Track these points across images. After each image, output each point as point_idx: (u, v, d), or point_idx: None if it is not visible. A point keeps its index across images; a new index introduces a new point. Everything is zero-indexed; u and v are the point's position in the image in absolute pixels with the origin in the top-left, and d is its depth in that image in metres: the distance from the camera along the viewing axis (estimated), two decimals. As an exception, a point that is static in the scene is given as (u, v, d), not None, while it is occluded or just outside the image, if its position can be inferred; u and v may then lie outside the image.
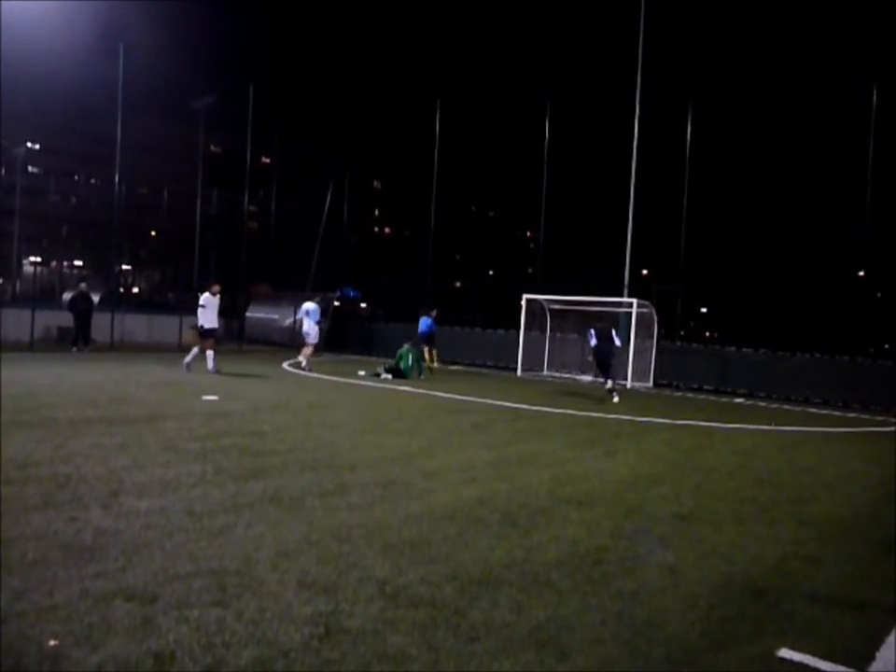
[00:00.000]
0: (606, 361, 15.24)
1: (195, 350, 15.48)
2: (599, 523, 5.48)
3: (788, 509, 6.34)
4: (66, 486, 5.55)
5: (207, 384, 13.47)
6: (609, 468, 7.74)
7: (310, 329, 17.92)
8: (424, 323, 20.83)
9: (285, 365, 18.83)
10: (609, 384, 15.15)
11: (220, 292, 16.06)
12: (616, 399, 14.80)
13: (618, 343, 15.42)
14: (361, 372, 17.41)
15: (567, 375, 20.28)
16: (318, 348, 18.31)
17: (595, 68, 44.01)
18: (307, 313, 18.10)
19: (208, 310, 15.54)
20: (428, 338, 20.21)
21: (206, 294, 15.70)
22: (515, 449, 8.55)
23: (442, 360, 22.72)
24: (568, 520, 5.50)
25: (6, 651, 2.96)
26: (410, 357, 17.10)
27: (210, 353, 15.41)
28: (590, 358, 15.63)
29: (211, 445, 7.47)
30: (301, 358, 17.89)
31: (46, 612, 3.33)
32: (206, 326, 15.51)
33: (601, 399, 14.92)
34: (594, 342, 15.27)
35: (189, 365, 15.28)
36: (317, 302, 18.29)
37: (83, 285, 21.84)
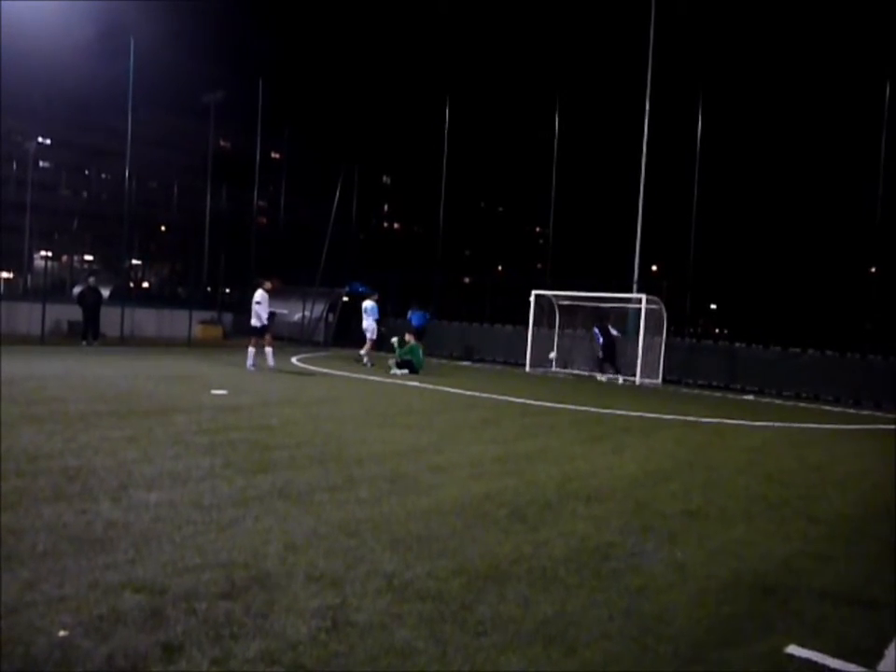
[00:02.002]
0: (612, 353, 18.39)
1: (268, 350, 15.53)
2: (607, 519, 5.47)
3: (797, 506, 6.31)
4: (76, 479, 5.59)
5: (216, 378, 13.52)
6: (618, 464, 7.72)
7: (370, 325, 18.51)
8: (420, 317, 21.02)
9: (293, 359, 18.87)
10: (615, 373, 18.38)
11: (272, 288, 16.16)
12: (602, 379, 18.51)
13: (615, 333, 18.67)
14: (369, 365, 17.51)
15: (577, 371, 20.23)
16: (375, 344, 18.86)
17: (605, 64, 43.81)
18: (366, 311, 18.70)
19: (263, 306, 15.66)
20: (422, 331, 20.24)
21: (260, 291, 15.77)
22: (523, 444, 8.55)
23: (450, 356, 22.82)
24: (576, 515, 5.50)
25: (16, 641, 2.99)
26: (419, 351, 17.11)
27: (252, 350, 15.52)
28: (600, 354, 18.61)
29: (220, 439, 7.49)
30: (363, 354, 18.35)
31: (56, 603, 3.35)
32: (266, 323, 15.68)
33: (611, 393, 14.93)
34: (601, 339, 18.39)
35: (272, 366, 15.38)
36: (375, 301, 18.86)
37: (91, 279, 21.94)
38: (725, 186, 38.67)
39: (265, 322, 15.69)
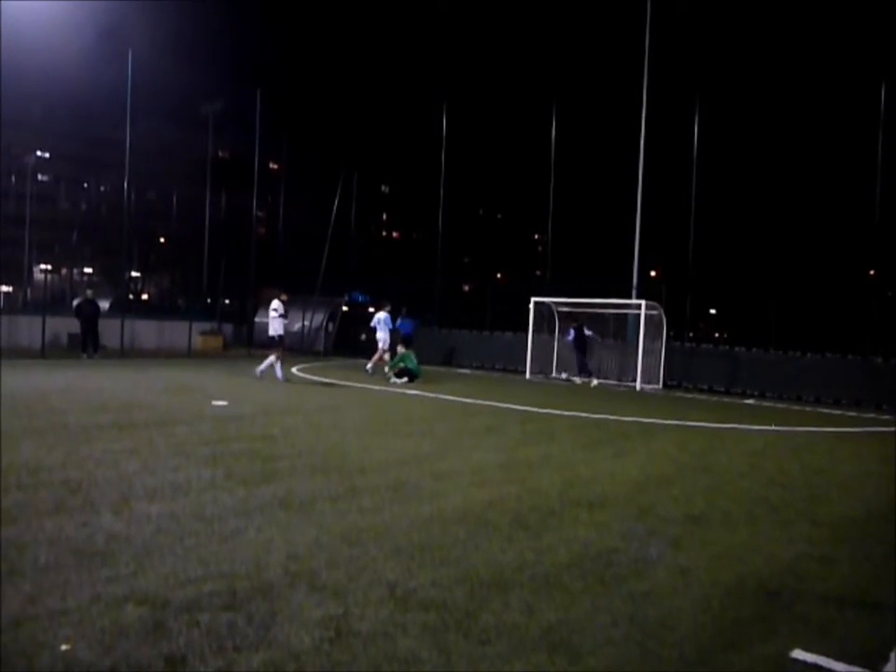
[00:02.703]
0: (583, 353, 19.43)
1: (278, 360, 15.61)
2: (610, 524, 5.46)
3: (800, 509, 6.30)
4: (78, 491, 5.58)
5: (217, 389, 13.51)
6: (620, 469, 7.71)
7: (382, 336, 18.54)
8: (410, 324, 21.04)
9: (294, 369, 18.85)
10: (586, 375, 19.33)
11: (288, 300, 16.46)
12: (595, 383, 18.92)
13: (588, 333, 19.59)
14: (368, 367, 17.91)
15: (577, 377, 20.22)
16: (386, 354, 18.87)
17: (602, 70, 43.92)
18: (378, 322, 18.72)
19: (280, 316, 15.84)
20: (410, 339, 20.31)
21: (277, 301, 15.96)
22: (525, 451, 8.54)
23: (449, 363, 22.89)
24: (579, 522, 5.49)
25: (19, 654, 2.98)
26: (413, 357, 17.14)
27: (272, 359, 15.65)
28: (569, 351, 19.83)
29: (221, 449, 7.49)
30: (378, 363, 18.46)
31: (58, 616, 3.35)
32: (283, 333, 15.89)
33: (612, 399, 14.93)
34: (570, 337, 19.47)
35: (282, 376, 15.45)
36: (388, 311, 18.86)
37: (89, 291, 21.99)
38: (724, 190, 38.71)
39: (282, 333, 15.86)
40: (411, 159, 49.29)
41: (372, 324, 19.29)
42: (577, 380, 19.65)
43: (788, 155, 42.37)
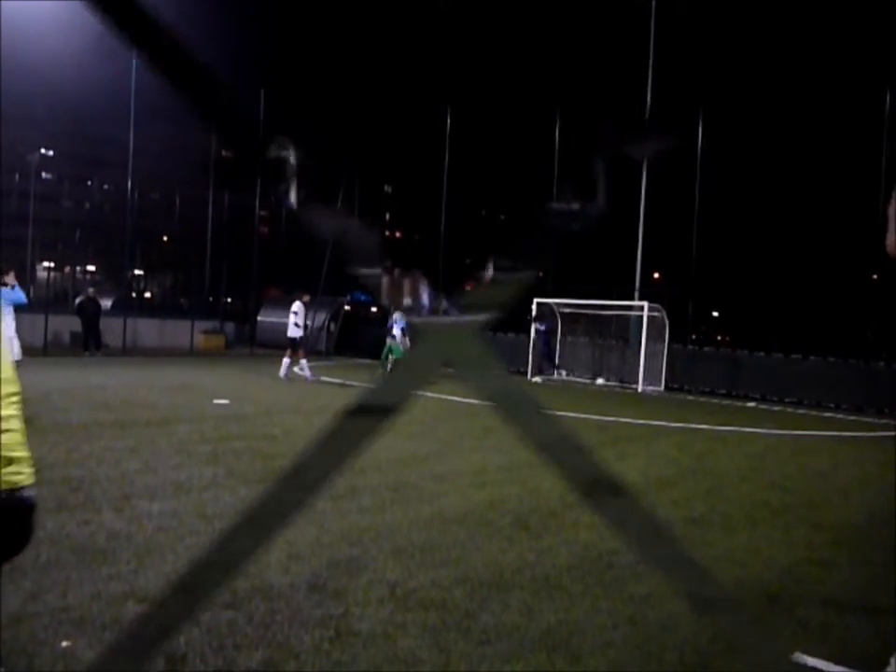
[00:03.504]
0: (551, 348, 20.13)
1: (285, 360, 15.82)
2: (610, 526, 5.44)
3: (801, 513, 6.29)
4: (79, 489, 5.59)
5: (219, 387, 13.52)
6: (621, 471, 7.70)
7: (397, 336, 18.45)
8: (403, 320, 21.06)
9: (295, 369, 18.84)
10: (537, 370, 19.89)
11: (309, 301, 16.81)
12: (539, 381, 19.15)
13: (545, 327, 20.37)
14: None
15: (578, 378, 20.22)
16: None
17: (606, 72, 43.93)
18: (395, 321, 18.65)
19: (299, 317, 16.08)
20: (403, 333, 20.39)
21: (298, 303, 16.14)
22: (526, 452, 8.50)
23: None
24: (579, 523, 5.48)
25: (19, 652, 2.98)
26: (401, 347, 17.25)
27: (304, 361, 15.91)
28: (540, 344, 20.08)
29: (222, 448, 7.49)
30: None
31: (59, 613, 3.36)
32: (301, 334, 16.11)
33: (613, 401, 14.93)
34: (544, 328, 19.92)
35: (287, 376, 15.68)
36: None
37: (91, 289, 22.01)
38: (726, 193, 38.70)
39: (299, 334, 16.02)
40: (414, 159, 49.30)
41: (389, 324, 19.30)
42: (564, 375, 20.07)
43: (791, 159, 42.34)
